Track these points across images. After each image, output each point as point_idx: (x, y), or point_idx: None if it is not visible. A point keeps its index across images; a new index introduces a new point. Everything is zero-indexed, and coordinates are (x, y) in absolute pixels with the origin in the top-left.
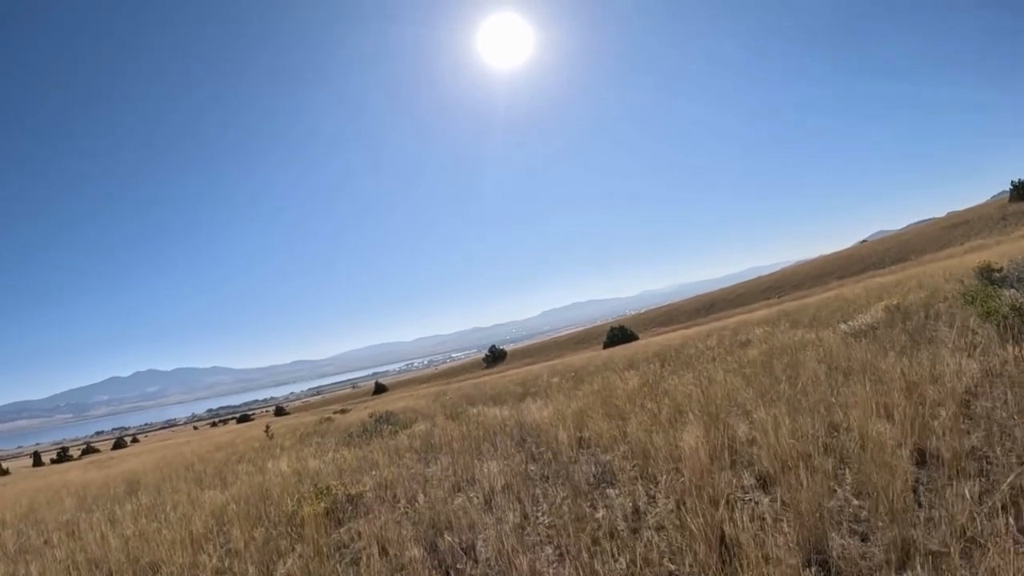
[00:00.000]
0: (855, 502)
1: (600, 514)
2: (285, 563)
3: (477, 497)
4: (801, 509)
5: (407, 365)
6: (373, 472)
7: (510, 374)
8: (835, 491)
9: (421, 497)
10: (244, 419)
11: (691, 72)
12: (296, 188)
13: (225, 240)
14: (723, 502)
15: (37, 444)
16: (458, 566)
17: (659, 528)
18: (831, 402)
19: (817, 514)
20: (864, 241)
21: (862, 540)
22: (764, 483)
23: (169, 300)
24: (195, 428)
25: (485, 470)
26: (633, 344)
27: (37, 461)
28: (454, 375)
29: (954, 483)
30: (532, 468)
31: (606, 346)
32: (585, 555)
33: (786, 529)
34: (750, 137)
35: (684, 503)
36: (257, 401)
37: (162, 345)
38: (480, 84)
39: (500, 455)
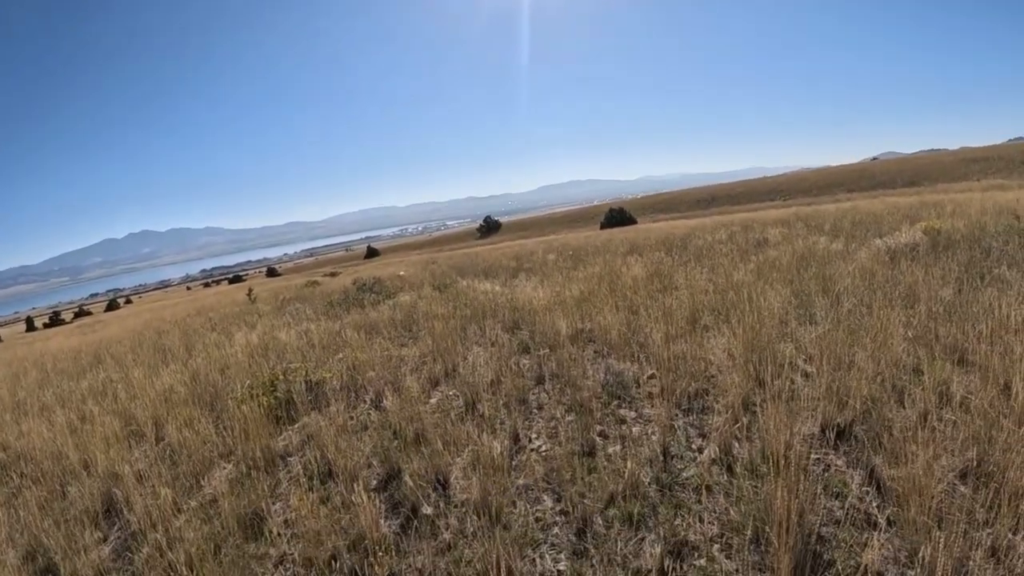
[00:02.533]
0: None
1: (614, 449)
2: (213, 476)
3: (457, 396)
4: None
5: (401, 231)
6: (340, 355)
7: (503, 246)
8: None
9: (390, 394)
10: (236, 280)
11: None
12: (300, 45)
13: (222, 97)
14: (792, 463)
15: (33, 308)
16: (422, 511)
17: (703, 489)
18: (890, 330)
19: None
20: (875, 159)
21: None
22: (842, 435)
23: (164, 160)
24: (188, 288)
25: (470, 359)
26: (632, 228)
27: (30, 326)
28: (447, 243)
29: None
30: (525, 362)
31: (603, 227)
32: (601, 524)
33: None
34: (770, 35)
35: (731, 451)
36: (251, 262)
37: (157, 206)
38: None
39: (488, 341)
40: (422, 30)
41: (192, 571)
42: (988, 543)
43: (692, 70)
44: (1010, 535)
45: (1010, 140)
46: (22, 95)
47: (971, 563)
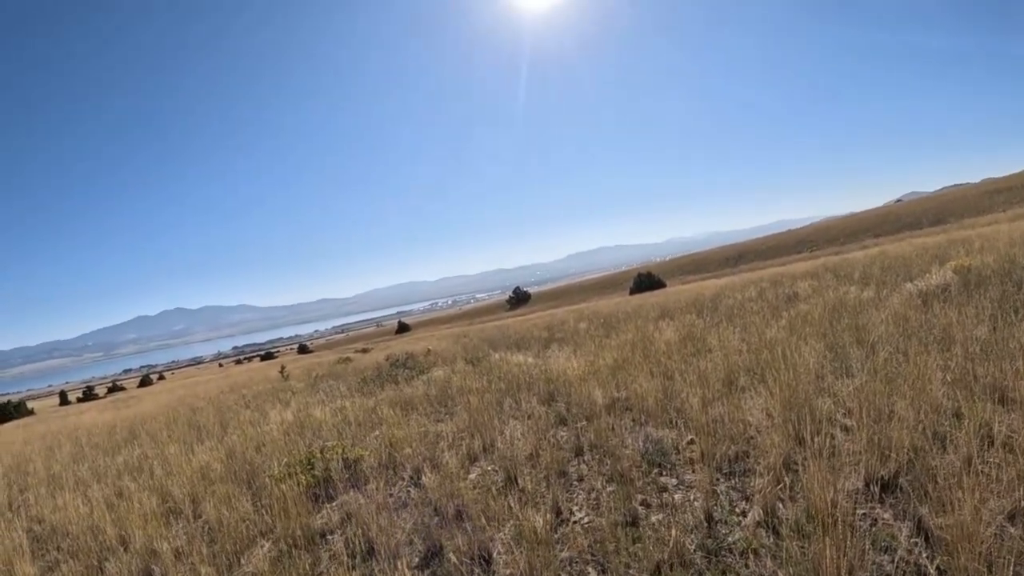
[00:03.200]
0: None
1: (657, 517)
2: (252, 554)
3: (497, 471)
4: None
5: (431, 305)
6: (376, 432)
7: (534, 317)
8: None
9: (428, 470)
10: (268, 356)
11: (730, 22)
12: (328, 128)
13: (254, 178)
14: (839, 522)
15: (67, 382)
16: None
17: (750, 553)
18: (927, 376)
19: None
20: (899, 200)
21: None
22: (886, 487)
23: (197, 239)
24: (220, 365)
25: (507, 433)
26: (662, 291)
27: (64, 400)
28: (477, 316)
29: None
30: (562, 434)
31: (632, 292)
32: None
33: None
34: (788, 91)
35: (775, 513)
36: (282, 339)
37: (189, 284)
38: (509, 21)
39: (524, 414)
40: (447, 107)
41: None
42: None
43: (712, 128)
44: None
45: None
46: (59, 169)
47: None
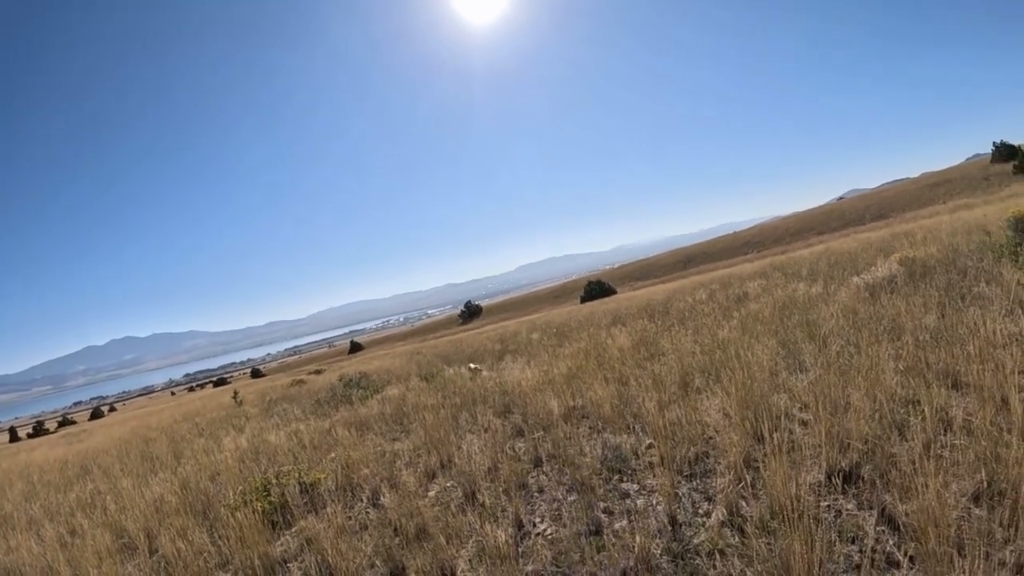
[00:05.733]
0: None
1: (621, 524)
2: None
3: (456, 487)
4: None
5: (383, 323)
6: (332, 454)
7: (487, 330)
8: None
9: (387, 490)
10: (221, 382)
11: (673, 29)
12: (269, 151)
13: (197, 202)
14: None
15: (16, 418)
16: None
17: (716, 553)
18: (880, 365)
19: None
20: (841, 198)
21: None
22: (848, 478)
23: (143, 266)
24: (172, 393)
25: (464, 448)
26: (613, 298)
27: (13, 437)
28: (430, 332)
29: None
30: (520, 446)
31: (584, 300)
32: None
33: None
34: (726, 95)
35: (739, 511)
36: (234, 363)
37: (137, 311)
38: (457, 39)
39: (481, 427)
40: (396, 129)
41: None
42: (1012, 561)
43: (654, 135)
44: None
45: (968, 159)
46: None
47: None
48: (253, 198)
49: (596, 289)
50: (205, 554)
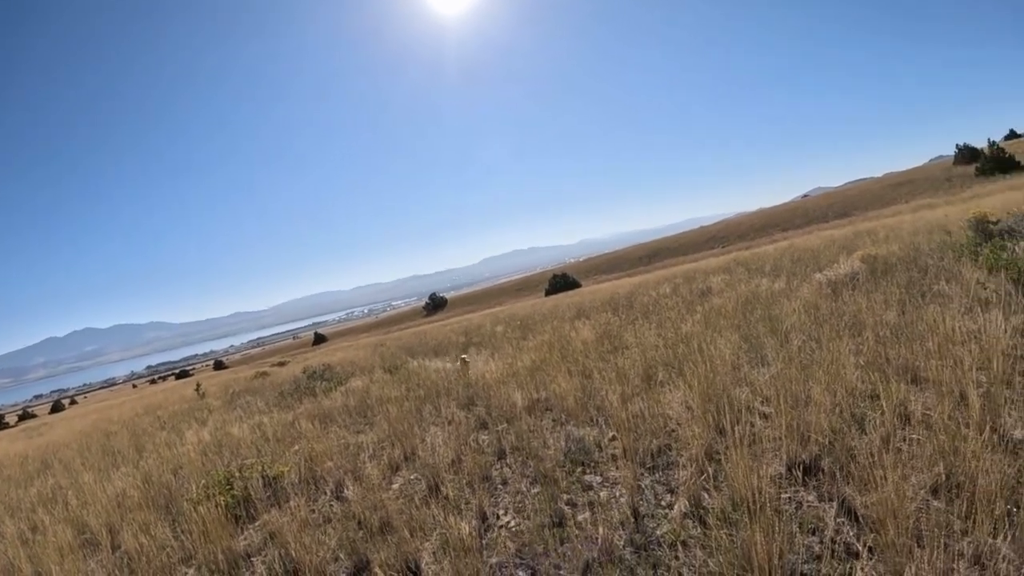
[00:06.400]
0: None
1: (584, 516)
2: None
3: (420, 480)
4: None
5: (347, 314)
6: (296, 447)
7: (451, 323)
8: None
9: (350, 483)
10: (183, 374)
11: (647, 22)
12: (233, 140)
13: (160, 191)
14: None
15: None
16: None
17: (679, 545)
18: (841, 360)
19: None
20: (806, 196)
21: None
22: (809, 470)
23: (105, 255)
24: (134, 386)
25: (428, 440)
26: (577, 292)
27: None
28: (394, 324)
29: None
30: (484, 438)
31: (548, 293)
32: None
33: None
34: (697, 91)
35: (701, 503)
36: (197, 355)
37: (99, 302)
38: (428, 30)
39: (444, 420)
40: (363, 119)
41: None
42: (970, 552)
43: (621, 129)
44: (990, 540)
45: (931, 160)
46: None
47: (956, 575)
48: (217, 188)
49: (561, 282)
50: (168, 549)
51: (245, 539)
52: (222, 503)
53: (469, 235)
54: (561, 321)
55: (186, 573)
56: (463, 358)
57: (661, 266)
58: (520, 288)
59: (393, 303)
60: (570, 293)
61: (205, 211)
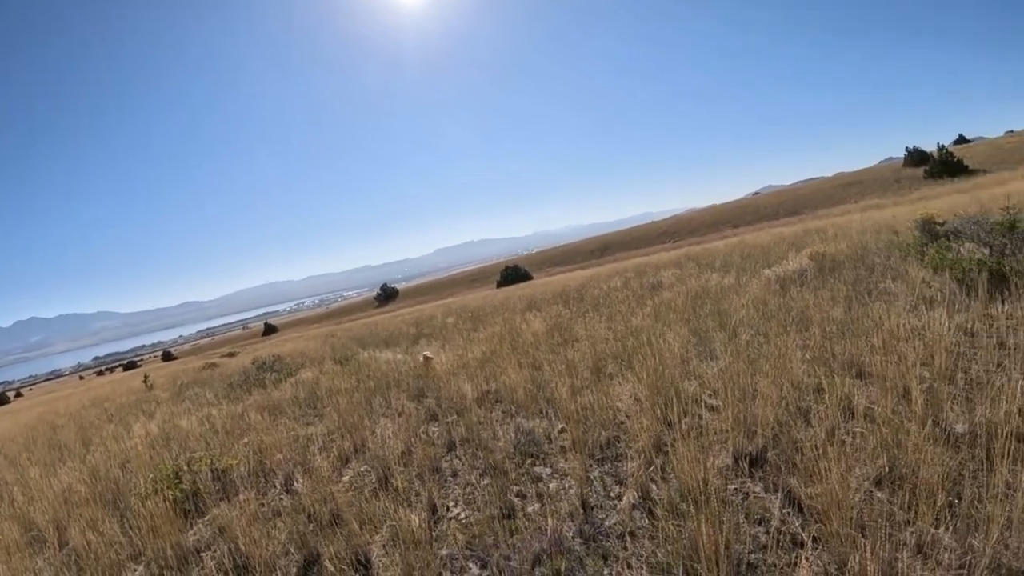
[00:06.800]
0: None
1: (533, 507)
2: None
3: (370, 472)
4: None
5: (298, 305)
6: (245, 440)
7: (402, 313)
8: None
9: (300, 475)
10: (131, 366)
11: (602, 9)
12: (185, 124)
13: (105, 176)
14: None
15: None
16: None
17: (627, 536)
18: (788, 355)
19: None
20: (757, 193)
21: None
22: (755, 462)
23: (49, 241)
24: (81, 378)
25: (378, 432)
26: (529, 284)
27: None
28: (345, 315)
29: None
30: (434, 430)
31: (500, 285)
32: None
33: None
34: (651, 85)
35: (649, 495)
36: (145, 346)
37: (43, 291)
38: (386, 18)
39: (395, 411)
40: (301, 102)
41: None
42: (913, 542)
43: (576, 122)
44: (932, 530)
45: (881, 161)
46: None
47: (900, 564)
48: (166, 173)
49: (512, 274)
50: (117, 545)
51: (195, 534)
52: (171, 497)
53: (423, 225)
54: (512, 313)
55: (135, 570)
56: (425, 354)
57: (613, 259)
58: (473, 279)
59: (345, 293)
60: (522, 285)
61: (154, 196)
